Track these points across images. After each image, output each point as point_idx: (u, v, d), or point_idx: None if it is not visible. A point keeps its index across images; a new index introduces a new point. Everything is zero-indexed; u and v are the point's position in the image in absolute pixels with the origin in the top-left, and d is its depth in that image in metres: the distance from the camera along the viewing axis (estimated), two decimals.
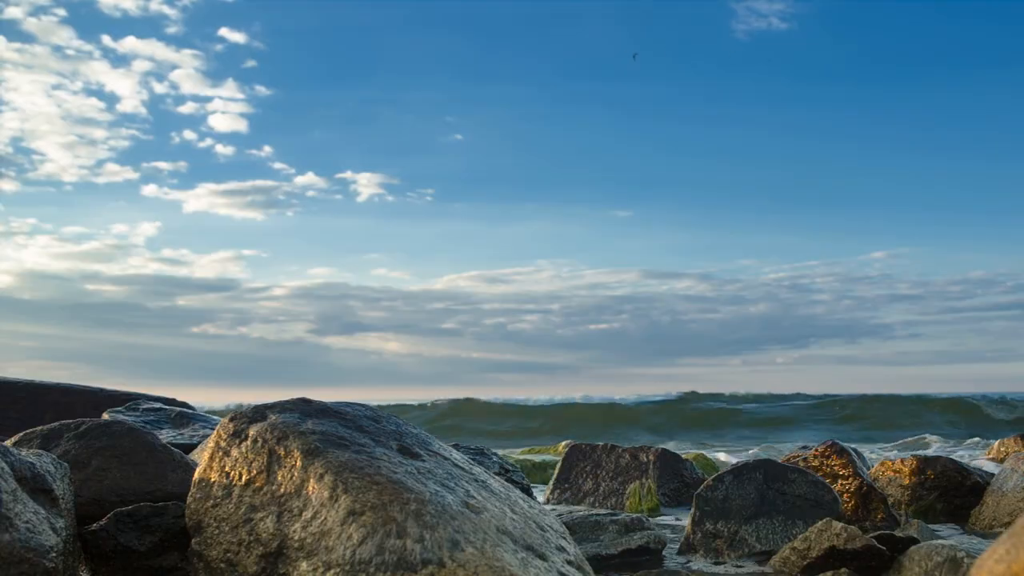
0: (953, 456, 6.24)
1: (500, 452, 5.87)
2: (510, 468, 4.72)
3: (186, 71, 22.52)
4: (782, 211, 26.61)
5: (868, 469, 5.16)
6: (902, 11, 23.44)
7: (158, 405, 5.15)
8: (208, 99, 22.55)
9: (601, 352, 29.30)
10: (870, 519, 4.50)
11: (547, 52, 24.45)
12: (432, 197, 24.86)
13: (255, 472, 2.54)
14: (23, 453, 2.61)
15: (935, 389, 22.14)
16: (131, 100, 22.72)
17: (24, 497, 2.44)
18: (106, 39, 22.34)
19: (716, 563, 3.92)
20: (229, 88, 22.52)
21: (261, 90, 23.01)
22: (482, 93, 25.08)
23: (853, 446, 5.30)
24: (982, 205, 25.87)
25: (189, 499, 2.66)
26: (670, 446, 8.77)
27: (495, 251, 29.70)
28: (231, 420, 2.72)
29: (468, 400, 24.14)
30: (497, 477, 3.08)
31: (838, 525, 3.44)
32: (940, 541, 3.26)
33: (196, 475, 2.69)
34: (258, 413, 2.73)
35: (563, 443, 11.23)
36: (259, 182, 24.27)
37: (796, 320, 27.78)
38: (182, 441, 4.37)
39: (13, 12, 20.97)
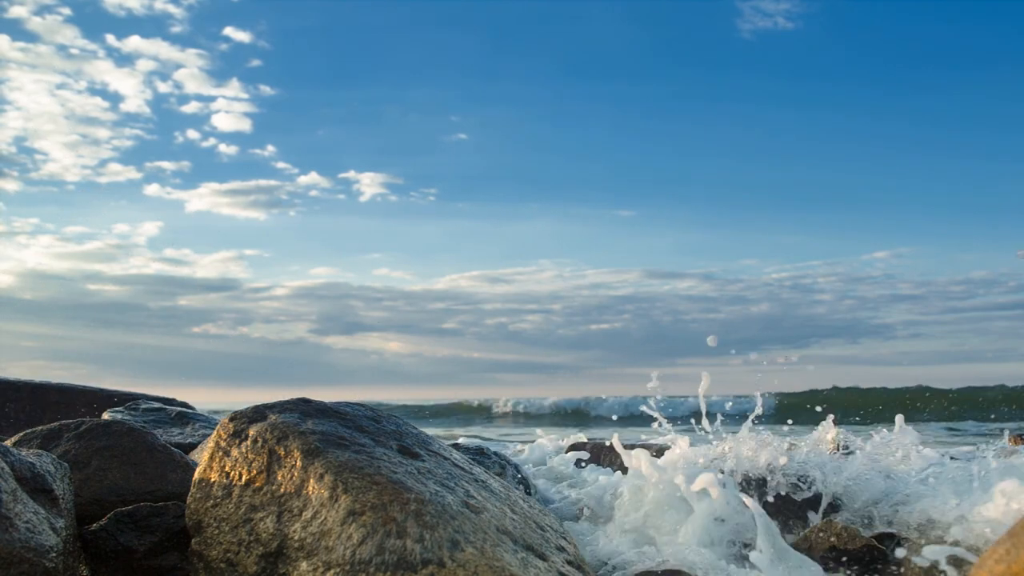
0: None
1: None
2: (510, 468, 4.71)
3: (190, 71, 22.44)
4: (785, 210, 26.54)
5: None
6: (907, 12, 23.37)
7: (158, 405, 5.15)
8: (212, 99, 22.48)
9: (602, 352, 29.29)
10: None
11: (552, 51, 24.38)
12: (435, 197, 24.80)
13: (255, 472, 2.54)
14: (23, 453, 2.61)
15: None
16: (135, 100, 22.67)
17: (24, 497, 2.44)
18: (110, 38, 22.28)
19: None
20: (233, 88, 22.46)
21: (265, 89, 22.93)
22: (487, 92, 24.99)
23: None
24: (984, 205, 25.81)
25: (189, 499, 2.66)
26: None
27: (497, 251, 29.64)
28: (231, 420, 2.72)
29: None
30: (497, 477, 3.08)
31: (838, 524, 3.43)
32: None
33: (196, 475, 2.69)
34: (258, 413, 2.73)
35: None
36: (262, 182, 24.21)
37: (797, 320, 27.75)
38: (182, 441, 4.38)
39: (18, 11, 20.93)
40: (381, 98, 24.52)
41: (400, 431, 2.83)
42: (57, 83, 21.48)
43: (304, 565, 2.31)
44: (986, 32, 22.47)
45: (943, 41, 22.75)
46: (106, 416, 4.69)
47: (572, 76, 24.48)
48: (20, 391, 5.55)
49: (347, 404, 2.88)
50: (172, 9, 21.62)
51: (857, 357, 27.56)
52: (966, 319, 26.46)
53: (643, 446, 6.04)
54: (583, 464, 5.40)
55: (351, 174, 23.78)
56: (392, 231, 26.95)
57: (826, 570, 3.14)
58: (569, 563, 2.56)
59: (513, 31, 23.68)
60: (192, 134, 22.96)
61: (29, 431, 3.36)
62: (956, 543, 2.87)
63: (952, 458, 4.29)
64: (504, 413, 25.13)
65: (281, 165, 23.74)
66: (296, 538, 2.36)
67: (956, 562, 2.65)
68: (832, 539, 3.34)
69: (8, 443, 3.15)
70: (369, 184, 23.76)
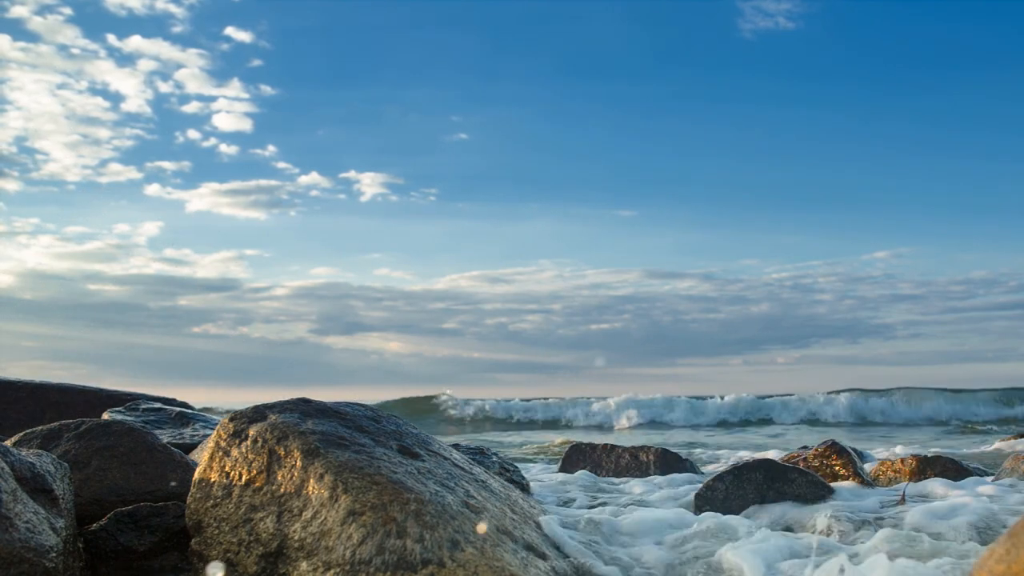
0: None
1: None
2: (510, 468, 4.71)
3: (191, 70, 22.43)
4: (785, 210, 26.55)
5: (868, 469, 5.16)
6: (907, 12, 23.37)
7: (158, 405, 5.14)
8: (213, 98, 22.47)
9: (602, 352, 29.31)
10: None
11: (552, 51, 24.37)
12: (435, 197, 24.80)
13: (255, 472, 2.54)
14: (23, 453, 2.61)
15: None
16: (136, 99, 22.67)
17: (24, 497, 2.44)
18: (111, 38, 22.27)
19: None
20: (234, 87, 22.45)
21: (266, 89, 22.92)
22: (487, 92, 24.98)
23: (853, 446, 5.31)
24: (984, 205, 25.83)
25: (189, 499, 2.66)
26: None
27: (497, 251, 29.67)
28: (231, 420, 2.72)
29: None
30: (497, 477, 3.08)
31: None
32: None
33: (196, 475, 2.69)
34: (258, 413, 2.73)
35: (561, 439, 11.25)
36: (262, 182, 24.20)
37: (797, 320, 27.77)
38: (182, 441, 4.37)
39: (19, 11, 20.92)
40: (381, 98, 24.52)
41: (400, 431, 2.83)
42: (58, 83, 21.48)
43: (304, 565, 2.31)
44: (986, 32, 22.46)
45: (943, 41, 22.74)
46: (106, 416, 4.69)
47: (572, 76, 24.47)
48: (20, 391, 5.55)
49: (347, 404, 2.88)
50: (173, 9, 21.61)
51: (857, 357, 27.59)
52: (966, 319, 26.46)
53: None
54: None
55: (351, 174, 23.79)
56: (392, 231, 26.97)
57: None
58: (570, 562, 2.56)
59: (513, 31, 23.68)
60: (193, 134, 22.96)
61: (29, 431, 3.36)
62: None
63: None
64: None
65: (282, 165, 23.75)
66: (296, 538, 2.36)
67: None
68: None
69: (8, 443, 3.15)
70: (369, 184, 23.76)
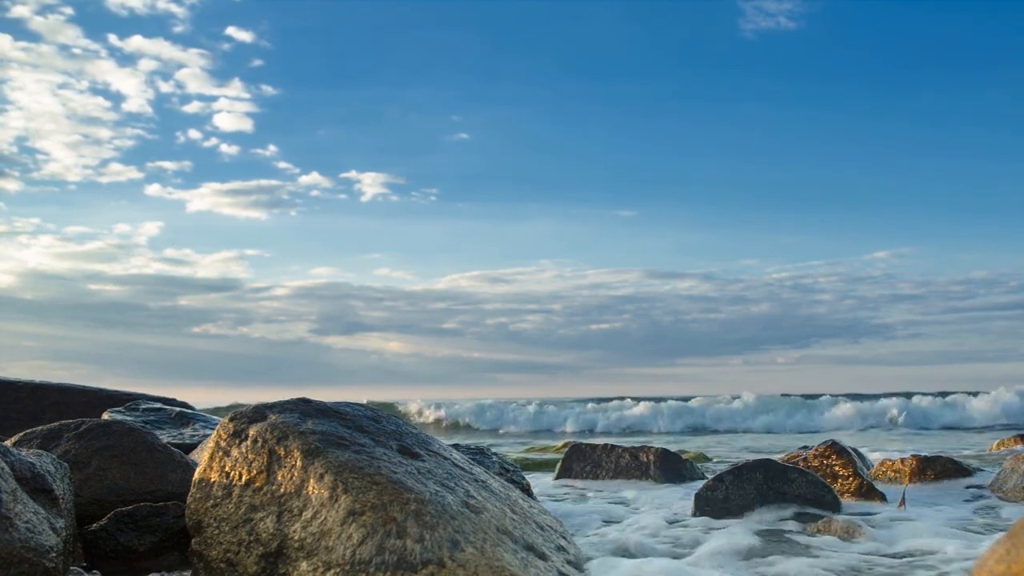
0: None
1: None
2: (510, 468, 4.71)
3: (192, 70, 22.44)
4: (786, 210, 26.56)
5: (868, 469, 5.17)
6: (907, 12, 23.38)
7: (158, 405, 5.14)
8: (214, 98, 22.47)
9: (602, 352, 29.35)
10: None
11: (552, 51, 24.38)
12: (436, 197, 24.81)
13: (255, 472, 2.54)
14: (23, 453, 2.61)
15: (934, 389, 22.14)
16: (136, 99, 22.67)
17: (24, 497, 2.43)
18: (112, 38, 22.27)
19: None
20: (235, 87, 22.45)
21: (267, 89, 22.92)
22: (487, 92, 24.98)
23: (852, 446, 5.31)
24: (984, 205, 25.84)
25: (189, 499, 2.66)
26: None
27: (498, 251, 29.69)
28: (231, 420, 2.72)
29: None
30: (497, 477, 3.08)
31: (839, 523, 3.44)
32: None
33: (196, 475, 2.69)
34: (258, 413, 2.73)
35: (561, 442, 11.24)
36: (263, 181, 24.20)
37: (798, 320, 27.79)
38: (182, 441, 4.37)
39: (20, 11, 20.92)
40: (382, 98, 24.54)
41: (400, 431, 2.83)
42: (59, 83, 21.49)
43: (304, 565, 2.31)
44: (986, 32, 22.47)
45: (943, 41, 22.75)
46: (106, 416, 4.69)
47: (572, 76, 24.48)
48: (20, 391, 5.55)
49: (347, 404, 2.88)
50: (174, 9, 21.63)
51: (857, 357, 27.60)
52: (966, 319, 26.49)
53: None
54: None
55: (352, 174, 23.81)
56: (393, 231, 27.00)
57: None
58: (569, 563, 2.56)
59: (513, 31, 23.69)
60: (193, 134, 22.98)
61: (29, 431, 3.36)
62: None
63: None
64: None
65: (282, 165, 23.77)
66: (296, 538, 2.36)
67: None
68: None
69: (8, 443, 3.15)
70: (370, 184, 23.78)
